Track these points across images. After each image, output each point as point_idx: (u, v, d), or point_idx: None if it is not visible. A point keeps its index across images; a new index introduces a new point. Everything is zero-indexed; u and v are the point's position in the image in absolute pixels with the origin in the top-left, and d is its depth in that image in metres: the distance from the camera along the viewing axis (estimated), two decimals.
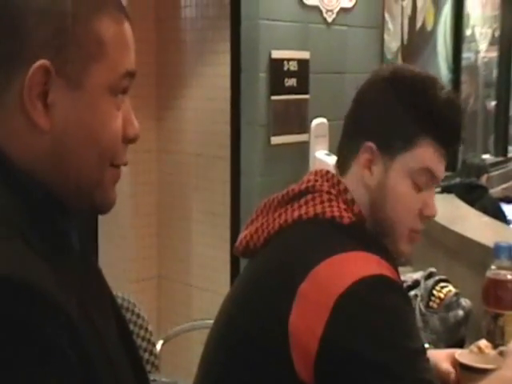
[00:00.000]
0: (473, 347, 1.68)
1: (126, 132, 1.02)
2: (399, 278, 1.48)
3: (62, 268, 0.93)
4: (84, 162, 0.98)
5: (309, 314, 1.31)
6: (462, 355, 1.63)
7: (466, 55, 6.28)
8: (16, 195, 0.94)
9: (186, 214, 4.30)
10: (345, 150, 1.54)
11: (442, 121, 1.47)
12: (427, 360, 1.35)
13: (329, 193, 1.47)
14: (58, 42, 0.94)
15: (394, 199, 1.48)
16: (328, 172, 1.52)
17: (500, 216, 4.78)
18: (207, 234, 4.20)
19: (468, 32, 6.19)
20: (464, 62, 6.13)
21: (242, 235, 1.55)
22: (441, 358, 1.66)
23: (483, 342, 1.69)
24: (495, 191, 5.86)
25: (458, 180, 5.23)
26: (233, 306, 1.50)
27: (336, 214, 1.44)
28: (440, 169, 1.50)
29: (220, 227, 4.03)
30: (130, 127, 1.02)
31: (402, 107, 1.48)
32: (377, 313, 1.32)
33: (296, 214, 1.46)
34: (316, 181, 1.50)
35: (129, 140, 1.02)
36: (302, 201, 1.47)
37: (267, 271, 1.45)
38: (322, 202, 1.46)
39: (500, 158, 7.06)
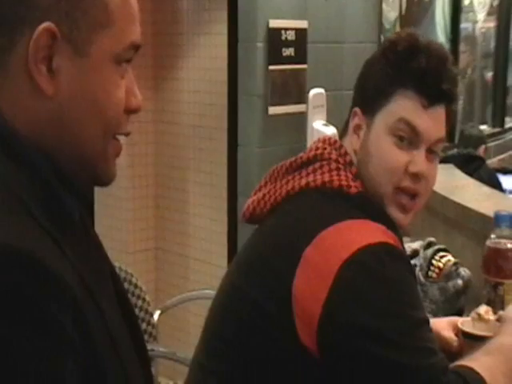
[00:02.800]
0: (473, 314, 1.69)
1: (129, 102, 1.01)
2: (403, 247, 1.49)
3: (65, 242, 0.92)
4: (88, 131, 0.97)
5: (313, 279, 1.32)
6: (465, 323, 1.64)
7: (464, 25, 6.24)
8: (21, 168, 0.93)
9: (183, 186, 4.29)
10: (346, 121, 1.56)
11: (415, 69, 1.45)
12: (429, 329, 1.35)
13: (337, 161, 1.47)
14: (64, 6, 0.93)
15: (376, 156, 1.46)
16: (336, 141, 1.53)
17: (497, 187, 4.78)
18: (204, 205, 4.20)
19: (466, 2, 6.16)
20: (462, 33, 6.10)
21: (249, 201, 1.56)
22: (442, 326, 1.67)
23: (483, 308, 1.69)
24: (492, 162, 5.87)
25: (455, 151, 5.23)
26: (237, 273, 1.50)
27: (344, 183, 1.44)
28: (425, 123, 1.45)
29: (217, 198, 4.03)
30: (133, 98, 1.01)
31: (379, 66, 1.50)
32: (380, 281, 1.32)
33: (304, 181, 1.46)
34: (324, 149, 1.50)
35: (131, 110, 1.02)
36: (310, 168, 1.48)
37: (273, 236, 1.46)
38: (330, 171, 1.46)
39: (497, 129, 7.06)
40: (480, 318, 1.67)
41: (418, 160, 1.45)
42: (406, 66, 1.45)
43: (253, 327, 1.40)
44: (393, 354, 1.28)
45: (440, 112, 1.47)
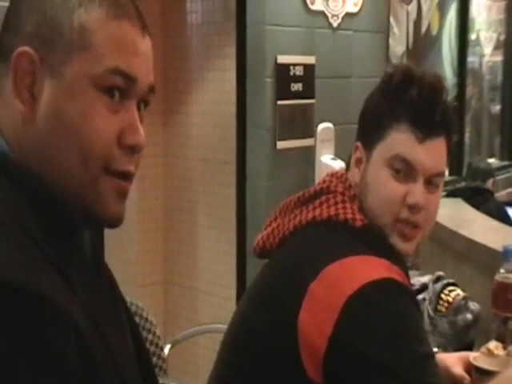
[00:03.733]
0: (483, 349, 1.69)
1: (124, 137, 0.97)
2: (409, 282, 1.50)
3: (70, 275, 0.93)
4: (67, 158, 0.95)
5: (318, 313, 1.34)
6: (477, 359, 1.65)
7: (471, 59, 6.29)
8: (24, 197, 0.93)
9: (193, 219, 4.32)
10: (349, 155, 1.58)
11: (407, 102, 1.45)
12: (435, 364, 1.36)
13: (343, 194, 1.49)
14: (42, 32, 0.95)
15: (374, 188, 1.47)
16: (343, 175, 1.55)
17: (505, 220, 4.79)
18: (213, 239, 4.21)
19: (473, 36, 6.21)
20: (469, 66, 6.15)
21: (259, 236, 1.59)
22: (453, 361, 1.67)
23: (493, 344, 1.70)
24: (500, 195, 5.87)
25: (463, 184, 5.25)
26: (247, 306, 1.53)
27: (349, 216, 1.46)
28: (421, 157, 1.44)
29: (226, 231, 4.04)
30: (130, 134, 0.98)
31: (376, 100, 1.51)
32: (386, 316, 1.33)
33: (310, 215, 1.48)
34: (331, 182, 1.53)
35: (128, 147, 0.98)
36: (317, 202, 1.50)
37: (280, 270, 1.48)
38: (335, 204, 1.48)
39: (505, 162, 7.07)
40: (490, 353, 1.68)
41: (416, 192, 1.44)
42: (399, 100, 1.45)
43: (260, 357, 1.41)
44: None
45: (438, 144, 1.46)
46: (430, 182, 1.47)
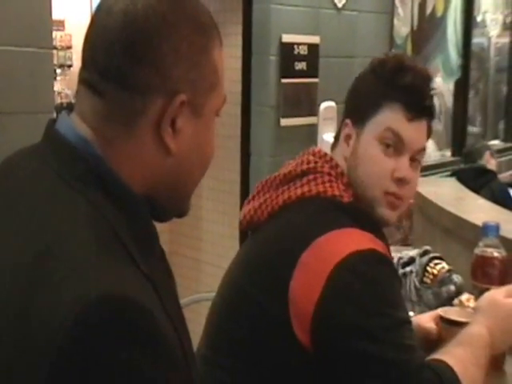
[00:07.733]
0: (456, 301, 1.79)
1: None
2: (390, 254, 1.61)
3: (155, 276, 1.01)
4: (192, 179, 1.12)
5: (307, 280, 1.43)
6: (445, 311, 1.75)
7: (478, 40, 6.30)
8: (127, 215, 1.01)
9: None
10: (337, 132, 1.69)
11: (402, 85, 1.57)
12: (411, 329, 1.46)
13: (329, 174, 1.59)
14: (191, 77, 1.04)
15: (365, 162, 1.59)
16: (326, 154, 1.65)
17: (508, 201, 4.82)
18: (217, 211, 4.30)
19: (479, 18, 6.21)
20: (475, 47, 6.16)
21: (245, 210, 1.67)
22: (424, 319, 1.78)
23: (465, 296, 1.80)
24: (504, 176, 5.92)
25: (468, 165, 5.29)
26: (241, 274, 1.61)
27: (336, 192, 1.56)
28: (409, 133, 1.57)
29: (230, 205, 4.13)
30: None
31: (369, 81, 1.62)
32: (367, 283, 1.43)
33: (299, 191, 1.58)
34: (316, 162, 1.62)
35: None
36: (305, 180, 1.59)
37: (273, 241, 1.57)
38: (323, 182, 1.58)
39: (509, 144, 7.10)
40: (461, 304, 1.78)
41: (403, 166, 1.57)
42: (394, 82, 1.57)
43: (255, 325, 1.51)
44: (375, 349, 1.39)
45: (422, 125, 1.60)
46: (414, 159, 1.60)
